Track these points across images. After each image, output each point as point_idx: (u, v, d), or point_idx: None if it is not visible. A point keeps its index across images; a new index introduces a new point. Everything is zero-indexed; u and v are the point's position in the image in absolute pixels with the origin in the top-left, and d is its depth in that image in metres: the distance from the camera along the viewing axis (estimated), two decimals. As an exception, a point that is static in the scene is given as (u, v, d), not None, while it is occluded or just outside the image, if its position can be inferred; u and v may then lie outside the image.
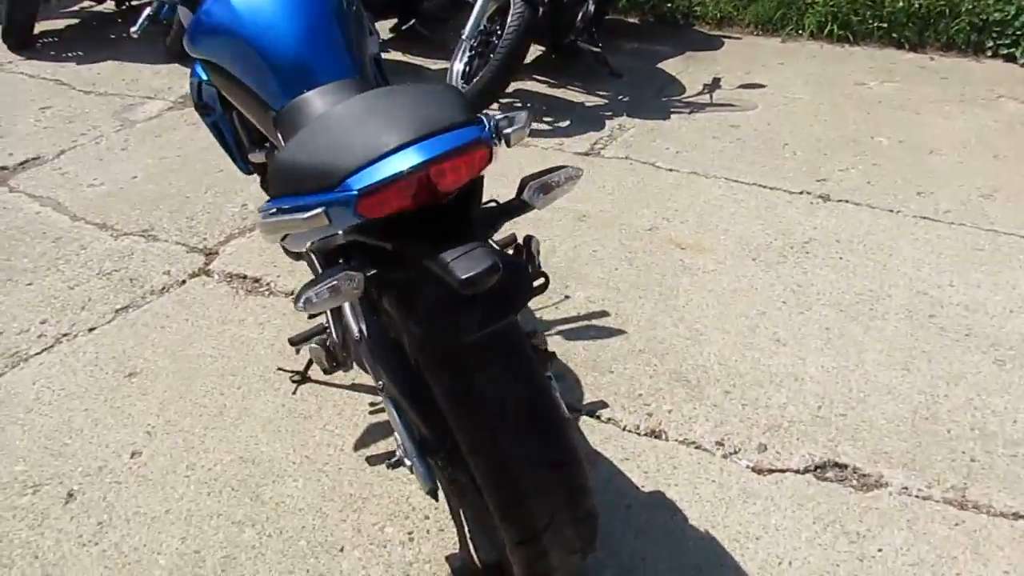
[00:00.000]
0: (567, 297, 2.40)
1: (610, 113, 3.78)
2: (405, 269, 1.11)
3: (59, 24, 4.96)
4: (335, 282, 1.05)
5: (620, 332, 2.24)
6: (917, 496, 1.73)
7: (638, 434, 1.91)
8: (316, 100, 1.45)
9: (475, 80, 3.62)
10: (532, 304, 2.35)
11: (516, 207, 1.19)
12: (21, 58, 4.42)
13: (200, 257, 2.61)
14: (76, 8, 5.21)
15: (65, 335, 2.23)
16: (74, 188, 3.06)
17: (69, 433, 1.90)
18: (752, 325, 2.27)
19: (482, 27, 3.68)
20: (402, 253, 1.10)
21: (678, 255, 2.61)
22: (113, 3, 4.84)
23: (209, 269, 2.55)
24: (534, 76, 4.25)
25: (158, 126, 3.58)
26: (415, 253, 1.06)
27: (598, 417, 1.96)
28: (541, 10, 3.59)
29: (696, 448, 1.86)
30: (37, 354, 2.16)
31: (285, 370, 2.04)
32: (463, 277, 0.98)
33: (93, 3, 4.98)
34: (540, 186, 1.16)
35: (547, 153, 3.36)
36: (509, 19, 3.47)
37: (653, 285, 2.46)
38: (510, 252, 1.55)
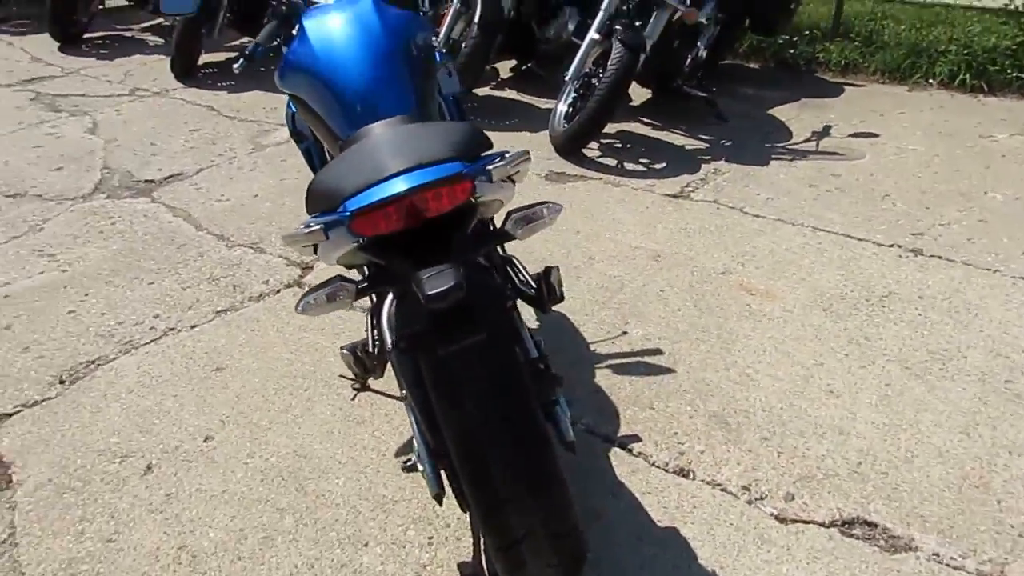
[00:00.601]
0: (624, 333, 2.45)
1: (709, 157, 3.80)
2: (394, 284, 1.24)
3: (221, 56, 5.56)
4: (330, 290, 1.20)
5: (669, 371, 2.27)
6: (948, 565, 1.66)
7: (665, 470, 1.93)
8: (370, 132, 1.63)
9: (573, 120, 3.76)
10: (589, 336, 2.43)
11: (498, 235, 1.29)
12: (183, 86, 5.00)
13: (297, 270, 2.88)
14: (236, 43, 5.82)
15: (171, 329, 2.53)
16: (204, 202, 3.44)
17: (158, 414, 2.17)
18: (806, 374, 2.24)
19: (586, 70, 3.82)
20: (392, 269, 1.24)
21: (746, 300, 2.61)
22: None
23: (302, 281, 2.80)
24: (640, 118, 4.33)
25: (284, 151, 3.95)
26: (400, 269, 1.19)
27: (629, 450, 2.00)
28: (643, 56, 3.68)
29: (721, 490, 1.87)
30: (145, 344, 2.46)
31: (347, 377, 2.22)
32: (428, 292, 1.10)
33: (250, 39, 5.56)
34: (522, 218, 1.26)
35: (636, 193, 3.43)
36: (608, 63, 3.59)
37: (713, 328, 2.47)
38: (532, 278, 1.66)
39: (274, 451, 2.04)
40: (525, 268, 1.96)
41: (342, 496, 1.90)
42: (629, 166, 3.72)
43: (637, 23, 3.81)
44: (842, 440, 2.00)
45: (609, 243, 2.99)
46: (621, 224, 3.14)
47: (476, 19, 4.10)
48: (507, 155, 1.28)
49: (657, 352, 2.36)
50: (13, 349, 2.42)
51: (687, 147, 3.95)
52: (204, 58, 5.27)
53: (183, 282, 2.81)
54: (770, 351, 2.35)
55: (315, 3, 2.00)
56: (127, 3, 6.47)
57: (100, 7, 5.97)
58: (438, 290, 1.10)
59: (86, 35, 5.71)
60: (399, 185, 1.14)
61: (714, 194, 3.39)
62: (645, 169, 3.69)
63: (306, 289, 1.25)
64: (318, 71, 1.75)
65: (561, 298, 1.79)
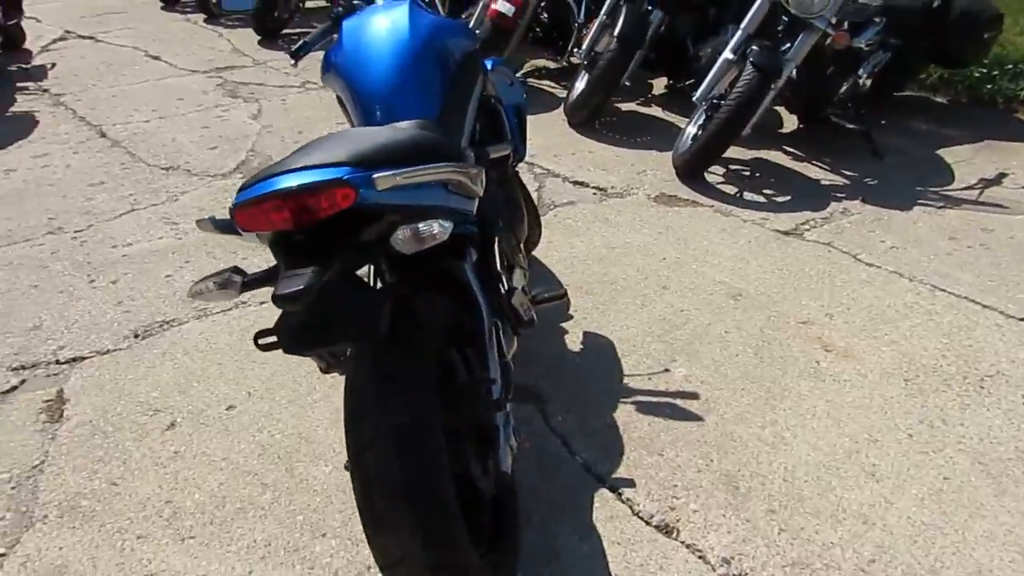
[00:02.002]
0: (667, 371, 2.29)
1: (843, 195, 3.45)
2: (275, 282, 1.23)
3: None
4: (220, 279, 1.22)
5: (697, 418, 2.09)
6: None
7: (647, 523, 1.78)
8: (343, 131, 1.63)
9: (694, 143, 3.57)
10: (628, 368, 2.30)
11: (376, 248, 1.24)
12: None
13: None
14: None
15: (243, 303, 2.71)
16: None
17: (200, 378, 2.33)
18: (852, 449, 1.96)
19: (720, 91, 3.61)
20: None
21: (817, 356, 2.33)
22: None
23: (375, 274, 2.89)
24: (783, 146, 4.03)
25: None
26: (279, 265, 1.19)
27: (618, 494, 1.86)
28: (779, 80, 3.43)
29: (699, 557, 1.69)
30: (216, 313, 2.66)
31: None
32: (275, 293, 1.09)
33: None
34: (410, 233, 1.20)
35: (743, 225, 3.19)
36: (736, 85, 3.37)
37: (766, 380, 2.23)
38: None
39: (281, 429, 2.12)
40: (523, 288, 1.89)
41: (322, 484, 1.93)
42: (749, 196, 3.46)
43: (785, 46, 3.54)
44: (863, 530, 1.73)
45: (691, 274, 2.80)
46: (712, 256, 2.93)
47: (615, 33, 4.01)
48: (413, 168, 1.23)
49: (693, 396, 2.18)
50: (108, 301, 2.71)
51: (823, 182, 3.61)
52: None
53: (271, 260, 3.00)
54: (820, 416, 2.09)
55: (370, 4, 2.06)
56: (325, 3, 7.02)
57: (300, 5, 6.53)
58: (284, 291, 1.08)
59: (284, 31, 6.27)
60: (278, 183, 1.14)
61: (831, 235, 3.07)
62: (765, 201, 3.42)
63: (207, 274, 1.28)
64: (348, 72, 1.79)
65: (530, 323, 1.70)
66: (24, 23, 5.93)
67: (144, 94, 4.96)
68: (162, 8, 7.49)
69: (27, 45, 5.94)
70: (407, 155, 1.29)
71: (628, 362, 2.34)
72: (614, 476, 1.92)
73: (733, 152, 3.69)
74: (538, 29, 5.22)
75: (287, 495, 1.91)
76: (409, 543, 1.24)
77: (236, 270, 1.26)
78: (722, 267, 2.85)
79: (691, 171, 3.59)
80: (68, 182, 3.65)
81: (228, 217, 1.26)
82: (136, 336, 2.53)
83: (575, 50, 4.87)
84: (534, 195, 3.43)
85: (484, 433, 1.50)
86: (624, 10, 4.08)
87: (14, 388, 2.28)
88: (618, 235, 3.11)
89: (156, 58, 5.81)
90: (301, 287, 1.08)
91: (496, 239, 1.78)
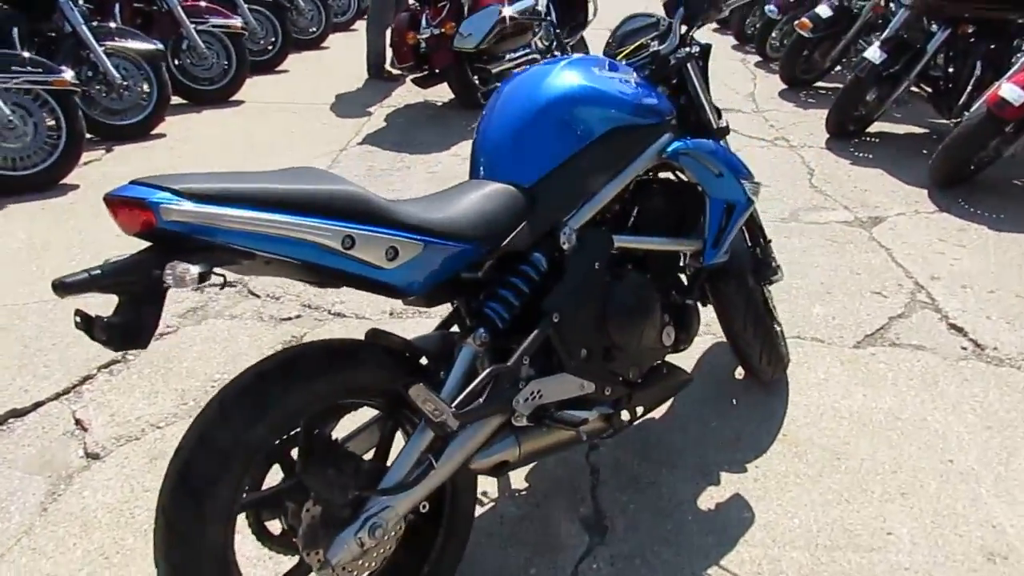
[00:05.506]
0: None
1: None
2: None
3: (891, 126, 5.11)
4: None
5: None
6: None
7: None
8: (454, 190, 1.63)
9: None
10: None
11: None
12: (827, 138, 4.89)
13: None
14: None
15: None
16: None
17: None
18: None
19: None
20: None
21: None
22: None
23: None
24: None
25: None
26: None
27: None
28: None
29: None
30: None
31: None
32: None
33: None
34: (180, 272, 1.18)
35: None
36: None
37: None
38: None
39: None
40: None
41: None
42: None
43: None
44: None
45: (968, 496, 1.92)
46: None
47: None
48: (221, 211, 1.21)
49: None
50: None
51: None
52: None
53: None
54: None
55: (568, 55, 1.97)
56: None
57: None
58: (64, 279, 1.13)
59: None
60: (118, 188, 1.21)
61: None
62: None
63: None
64: (481, 120, 1.80)
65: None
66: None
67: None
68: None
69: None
70: (297, 204, 1.27)
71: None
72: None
73: None
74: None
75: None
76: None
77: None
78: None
79: None
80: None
81: None
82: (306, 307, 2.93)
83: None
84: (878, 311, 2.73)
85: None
86: None
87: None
88: (915, 404, 2.30)
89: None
90: (73, 280, 1.12)
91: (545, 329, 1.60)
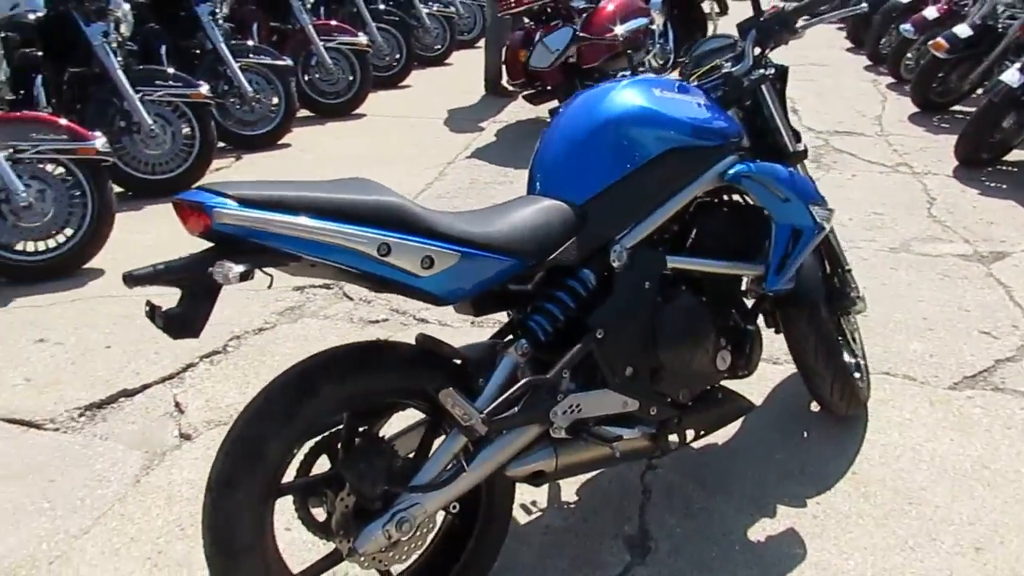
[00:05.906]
0: None
1: None
2: None
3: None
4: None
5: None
6: None
7: None
8: (507, 205, 1.69)
9: None
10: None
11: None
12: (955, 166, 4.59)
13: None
14: None
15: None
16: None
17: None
18: None
19: None
20: None
21: None
22: None
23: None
24: None
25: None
26: None
27: None
28: None
29: None
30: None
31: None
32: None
33: None
34: (224, 270, 1.28)
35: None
36: None
37: None
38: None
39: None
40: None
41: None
42: None
43: None
44: None
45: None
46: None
47: None
48: (272, 215, 1.30)
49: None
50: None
51: None
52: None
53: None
54: None
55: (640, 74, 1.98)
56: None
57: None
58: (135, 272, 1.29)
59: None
60: (184, 193, 1.35)
61: None
62: None
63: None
64: (543, 135, 1.84)
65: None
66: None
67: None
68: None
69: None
70: (339, 212, 1.36)
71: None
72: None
73: None
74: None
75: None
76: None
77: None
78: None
79: None
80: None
81: None
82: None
83: None
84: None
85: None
86: None
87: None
88: (1009, 455, 2.14)
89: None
90: (141, 273, 1.28)
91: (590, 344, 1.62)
